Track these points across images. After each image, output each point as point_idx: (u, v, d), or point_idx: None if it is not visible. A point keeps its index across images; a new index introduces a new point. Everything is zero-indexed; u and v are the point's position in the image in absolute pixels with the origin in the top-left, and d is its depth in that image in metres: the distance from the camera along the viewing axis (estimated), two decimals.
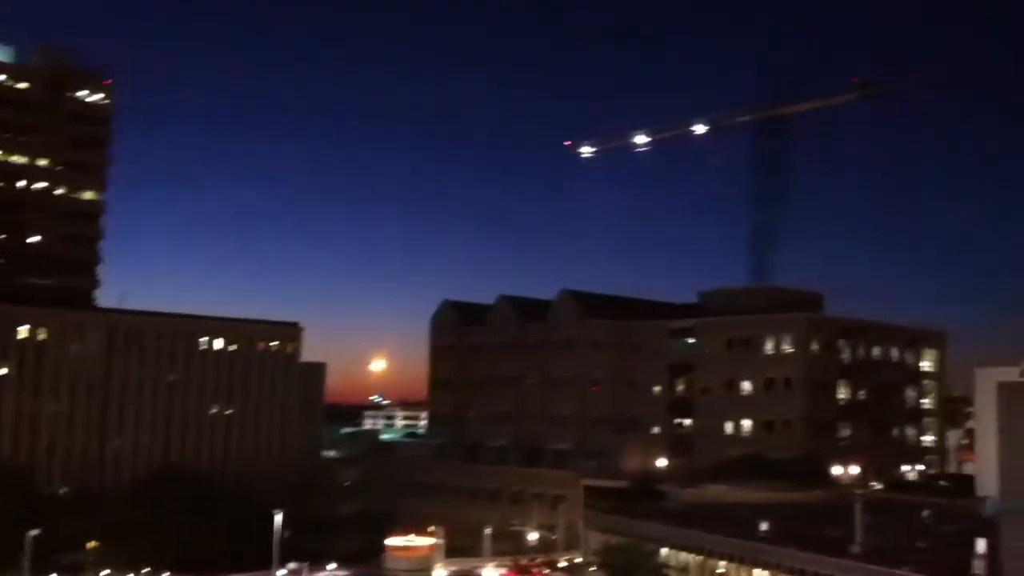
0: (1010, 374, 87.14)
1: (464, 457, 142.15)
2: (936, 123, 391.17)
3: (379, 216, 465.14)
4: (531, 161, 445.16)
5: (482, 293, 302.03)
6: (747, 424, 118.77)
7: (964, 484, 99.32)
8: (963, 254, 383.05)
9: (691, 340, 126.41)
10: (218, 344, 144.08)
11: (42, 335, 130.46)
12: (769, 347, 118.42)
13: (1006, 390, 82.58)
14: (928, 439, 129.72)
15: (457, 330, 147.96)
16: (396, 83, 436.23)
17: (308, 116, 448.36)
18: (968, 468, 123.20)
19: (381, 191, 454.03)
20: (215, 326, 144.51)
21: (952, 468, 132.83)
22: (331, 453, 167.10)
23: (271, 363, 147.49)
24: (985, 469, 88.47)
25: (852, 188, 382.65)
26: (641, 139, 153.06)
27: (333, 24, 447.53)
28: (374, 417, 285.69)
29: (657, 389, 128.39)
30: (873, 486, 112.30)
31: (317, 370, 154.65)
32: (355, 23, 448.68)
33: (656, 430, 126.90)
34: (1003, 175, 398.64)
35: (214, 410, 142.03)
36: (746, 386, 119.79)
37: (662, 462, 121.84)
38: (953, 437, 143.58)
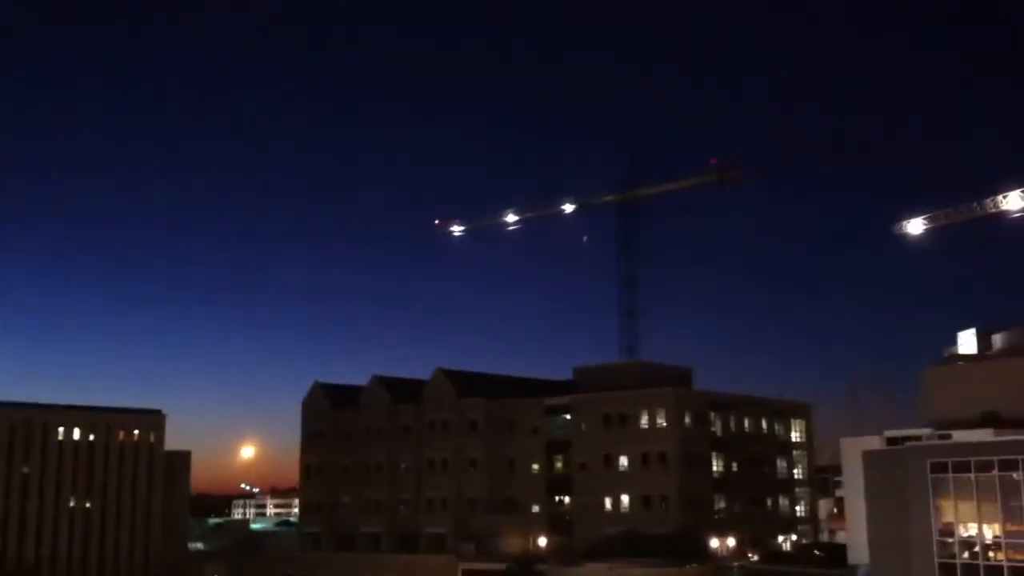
0: (873, 443, 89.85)
1: (338, 546, 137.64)
2: (796, 202, 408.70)
3: (246, 297, 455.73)
4: (402, 239, 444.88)
5: (355, 374, 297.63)
6: (625, 500, 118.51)
7: (837, 553, 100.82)
8: (821, 330, 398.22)
9: (567, 417, 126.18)
10: (75, 435, 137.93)
11: None
12: (644, 422, 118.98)
13: (871, 459, 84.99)
14: (800, 509, 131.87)
15: (329, 413, 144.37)
16: (265, 161, 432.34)
17: (170, 194, 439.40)
18: (840, 536, 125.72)
19: (247, 271, 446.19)
20: (71, 416, 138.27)
21: (825, 537, 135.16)
22: (198, 546, 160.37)
23: (132, 453, 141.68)
24: (855, 537, 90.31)
25: (715, 266, 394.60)
26: (511, 218, 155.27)
27: (215, 117, 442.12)
28: (244, 507, 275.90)
29: (535, 468, 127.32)
30: (750, 558, 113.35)
31: (182, 459, 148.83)
32: (239, 102, 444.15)
33: (535, 509, 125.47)
34: (855, 252, 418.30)
35: (71, 504, 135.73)
36: (623, 461, 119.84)
37: (542, 542, 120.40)
38: (824, 506, 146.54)
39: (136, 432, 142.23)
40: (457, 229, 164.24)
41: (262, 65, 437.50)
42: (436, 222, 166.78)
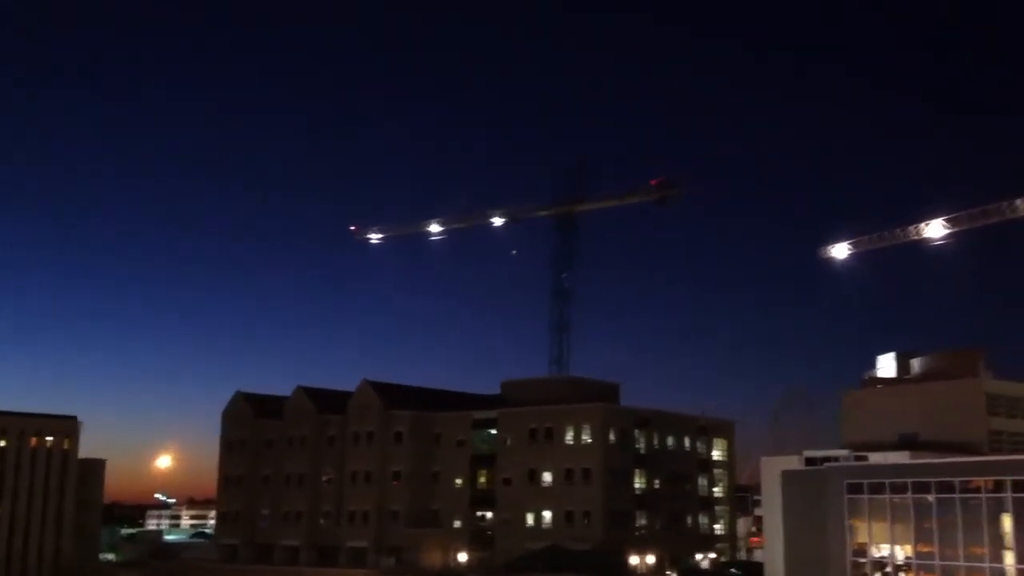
0: (792, 463, 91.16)
1: (256, 558, 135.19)
2: (722, 222, 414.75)
3: (166, 304, 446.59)
4: (331, 249, 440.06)
5: (278, 385, 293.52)
6: (547, 515, 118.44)
7: (754, 571, 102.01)
8: (746, 349, 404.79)
9: (493, 431, 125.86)
10: None
11: None
12: (569, 437, 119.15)
13: (789, 478, 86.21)
14: (719, 527, 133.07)
15: (251, 423, 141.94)
16: (183, 166, 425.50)
17: (90, 197, 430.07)
18: (757, 555, 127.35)
19: (166, 278, 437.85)
20: None
21: (743, 555, 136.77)
22: (109, 556, 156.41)
23: (45, 460, 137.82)
24: (772, 555, 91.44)
25: (646, 282, 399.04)
26: (435, 228, 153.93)
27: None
28: (158, 517, 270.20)
29: (459, 481, 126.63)
30: (668, 575, 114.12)
31: (96, 467, 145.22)
32: (151, 103, 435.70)
33: (457, 523, 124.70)
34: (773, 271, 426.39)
35: None
36: (547, 477, 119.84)
37: (462, 556, 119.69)
38: (743, 525, 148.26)
39: (49, 438, 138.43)
40: (375, 237, 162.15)
41: (178, 66, 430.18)
42: (352, 228, 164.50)
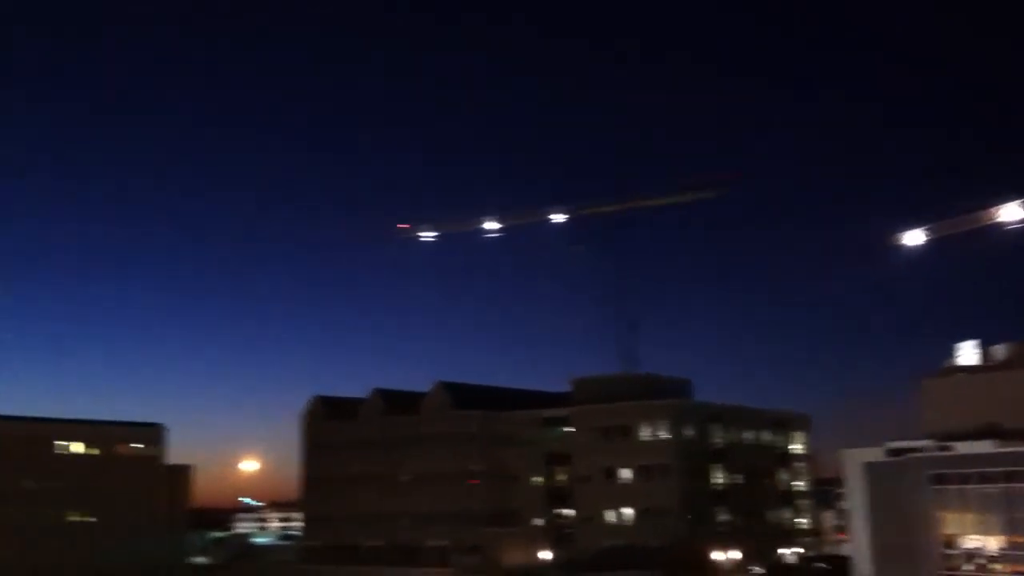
0: (874, 454, 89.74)
1: (340, 559, 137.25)
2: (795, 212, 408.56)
3: (245, 312, 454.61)
4: (388, 251, 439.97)
5: (354, 387, 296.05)
6: (627, 512, 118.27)
7: (841, 564, 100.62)
8: (818, 342, 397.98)
9: (567, 429, 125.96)
10: (77, 448, 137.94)
11: None
12: (645, 434, 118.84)
13: (872, 470, 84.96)
14: (803, 521, 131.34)
15: (328, 426, 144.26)
16: (259, 176, 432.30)
17: (168, 207, 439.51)
18: (844, 548, 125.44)
19: (243, 285, 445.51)
20: (72, 430, 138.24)
21: (829, 549, 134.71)
22: (199, 560, 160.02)
23: (134, 467, 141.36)
24: (859, 548, 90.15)
25: (712, 277, 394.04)
26: (491, 225, 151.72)
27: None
28: (246, 520, 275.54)
29: (536, 480, 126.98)
30: (753, 570, 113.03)
31: (183, 473, 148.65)
32: (233, 103, 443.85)
33: (537, 522, 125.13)
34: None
35: (73, 518, 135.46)
36: (624, 474, 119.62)
37: (544, 554, 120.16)
38: (828, 518, 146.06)
39: (137, 446, 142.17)
40: (427, 235, 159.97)
41: (261, 56, 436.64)
42: (400, 226, 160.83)
